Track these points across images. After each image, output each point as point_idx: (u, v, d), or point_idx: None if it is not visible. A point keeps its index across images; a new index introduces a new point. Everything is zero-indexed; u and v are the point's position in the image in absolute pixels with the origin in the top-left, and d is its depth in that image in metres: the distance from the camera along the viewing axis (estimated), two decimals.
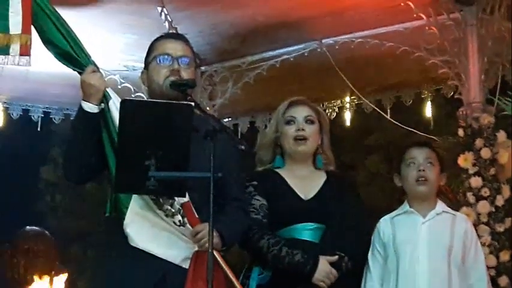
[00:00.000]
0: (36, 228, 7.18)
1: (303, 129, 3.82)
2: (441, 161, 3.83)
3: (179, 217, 3.27)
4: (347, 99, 7.06)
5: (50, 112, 7.30)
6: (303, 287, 3.62)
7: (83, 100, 3.29)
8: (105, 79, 3.40)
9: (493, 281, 4.50)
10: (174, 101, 3.23)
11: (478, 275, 3.70)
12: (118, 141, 3.16)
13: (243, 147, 3.14)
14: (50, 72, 5.77)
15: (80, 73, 3.33)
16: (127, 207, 3.26)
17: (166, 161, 3.07)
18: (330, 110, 6.95)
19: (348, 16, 5.67)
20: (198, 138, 3.07)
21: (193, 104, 3.16)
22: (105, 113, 3.29)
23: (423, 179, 3.74)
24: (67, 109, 7.11)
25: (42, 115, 7.27)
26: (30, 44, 3.38)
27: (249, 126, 7.51)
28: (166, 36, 3.56)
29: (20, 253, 6.73)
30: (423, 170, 3.74)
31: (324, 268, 3.62)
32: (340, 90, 6.61)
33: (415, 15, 5.48)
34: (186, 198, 3.26)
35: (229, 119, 7.42)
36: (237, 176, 3.49)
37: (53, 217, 9.92)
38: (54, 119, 7.33)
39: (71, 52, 3.33)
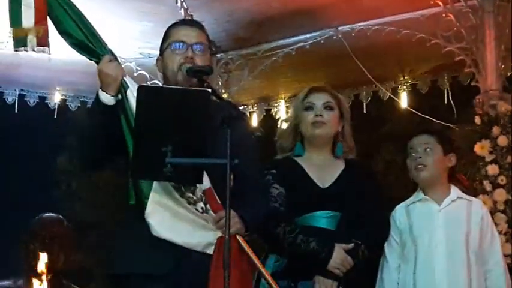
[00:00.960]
0: (53, 214, 7.22)
1: (321, 115, 3.82)
2: (445, 142, 3.79)
3: (201, 204, 3.26)
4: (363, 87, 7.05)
5: (66, 99, 7.32)
6: (318, 274, 3.62)
7: (100, 89, 3.28)
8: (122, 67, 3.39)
9: (509, 269, 4.49)
10: (191, 87, 3.23)
11: (494, 259, 3.70)
12: (135, 128, 3.16)
13: (259, 133, 3.14)
14: (66, 60, 5.78)
15: (96, 62, 3.31)
16: (148, 197, 3.26)
17: (183, 148, 3.06)
18: (346, 98, 6.93)
19: (365, 3, 5.66)
20: (215, 124, 3.06)
21: (210, 90, 3.15)
22: (123, 101, 3.28)
23: (421, 165, 3.73)
24: (84, 96, 7.13)
25: (59, 102, 7.29)
26: (47, 35, 3.38)
27: (264, 114, 7.51)
28: (181, 23, 3.55)
29: (36, 239, 6.76)
30: (420, 157, 3.74)
31: (339, 256, 3.62)
32: (356, 77, 6.59)
33: (432, 2, 5.47)
34: (208, 185, 3.26)
35: (245, 106, 7.41)
36: (255, 162, 3.49)
37: (69, 205, 9.94)
38: (71, 106, 7.35)
39: (86, 42, 3.32)
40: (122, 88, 3.28)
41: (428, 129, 3.93)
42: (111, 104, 3.26)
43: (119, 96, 3.27)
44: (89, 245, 8.78)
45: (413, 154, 3.76)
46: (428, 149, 3.74)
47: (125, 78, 3.29)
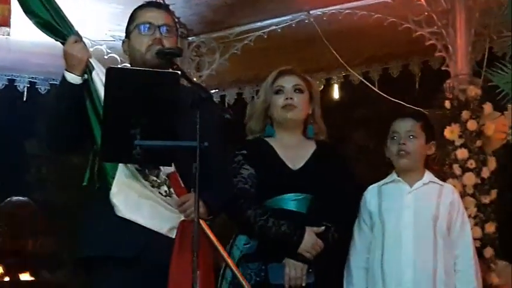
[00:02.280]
0: (22, 198, 7.18)
1: (291, 98, 3.81)
2: (429, 130, 3.80)
3: (165, 187, 3.26)
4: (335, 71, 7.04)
5: (36, 82, 7.24)
6: (288, 257, 3.62)
7: (66, 70, 3.26)
8: (91, 49, 3.39)
9: (478, 252, 4.51)
10: (161, 70, 3.22)
11: (463, 245, 3.71)
12: (103, 110, 3.14)
13: (228, 116, 3.13)
14: (34, 42, 5.72)
15: (62, 43, 3.30)
16: (113, 178, 3.25)
17: (152, 130, 3.05)
18: (318, 82, 6.92)
19: None
20: (184, 106, 3.05)
21: (179, 72, 3.14)
22: (88, 83, 3.26)
23: (403, 152, 3.73)
24: (53, 79, 7.06)
25: (28, 85, 7.22)
26: (9, 15, 3.34)
27: (236, 97, 7.48)
28: (147, 4, 3.53)
29: (5, 221, 6.72)
30: (403, 144, 3.73)
31: (310, 239, 3.62)
32: (327, 62, 6.58)
33: None
34: (172, 169, 3.25)
35: (217, 90, 7.38)
36: (222, 145, 3.49)
37: (39, 189, 9.88)
38: (40, 89, 7.28)
39: (52, 22, 3.30)
40: (88, 70, 3.27)
41: (414, 115, 3.92)
42: (78, 83, 3.25)
43: (85, 76, 3.25)
44: (59, 230, 8.74)
45: (396, 138, 3.76)
46: (411, 137, 3.75)
47: (90, 60, 3.29)
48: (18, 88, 7.25)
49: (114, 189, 3.25)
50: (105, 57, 6.35)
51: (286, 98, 3.81)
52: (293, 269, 3.59)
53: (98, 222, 3.29)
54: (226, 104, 7.31)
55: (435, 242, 3.64)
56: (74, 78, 3.25)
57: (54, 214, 8.97)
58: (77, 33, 3.32)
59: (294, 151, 3.82)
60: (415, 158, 3.75)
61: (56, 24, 3.30)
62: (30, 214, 6.90)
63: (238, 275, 3.42)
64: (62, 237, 8.27)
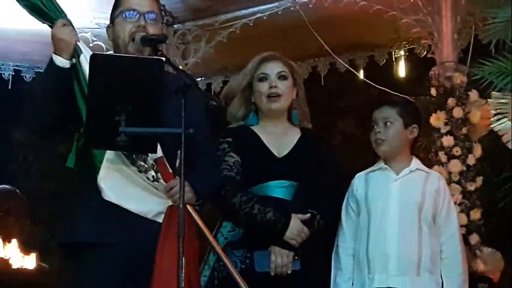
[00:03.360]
0: (7, 186, 7.15)
1: (275, 86, 3.79)
2: (407, 115, 3.78)
3: (152, 172, 3.26)
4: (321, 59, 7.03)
5: (21, 70, 7.21)
6: (274, 244, 3.61)
7: (54, 54, 3.25)
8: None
9: (464, 239, 4.53)
10: (146, 56, 3.21)
11: (449, 233, 3.71)
12: (88, 96, 3.13)
13: (214, 103, 3.13)
14: (19, 29, 5.70)
15: (50, 26, 3.28)
16: (101, 162, 3.25)
17: (136, 117, 3.05)
18: (304, 70, 6.91)
19: None
20: (169, 93, 3.04)
21: (164, 59, 3.13)
22: (76, 67, 3.25)
23: (379, 140, 3.74)
24: (38, 67, 7.03)
25: (13, 73, 7.18)
26: None
27: (222, 85, 7.46)
28: None
29: None
30: (379, 132, 3.74)
31: (296, 226, 3.61)
32: (313, 49, 6.57)
33: None
34: (160, 154, 3.25)
35: (202, 78, 7.37)
36: (208, 132, 3.48)
37: (25, 178, 9.85)
38: (25, 77, 7.24)
39: (40, 5, 3.28)
40: (76, 53, 3.25)
41: (390, 102, 3.91)
42: (66, 67, 3.24)
43: (73, 60, 3.25)
44: (45, 218, 8.72)
45: (375, 127, 3.76)
46: (388, 123, 3.74)
47: (78, 44, 3.27)
48: (3, 76, 7.22)
49: (101, 174, 3.25)
50: (90, 44, 6.32)
51: (271, 87, 3.79)
52: (279, 257, 3.59)
53: (83, 207, 3.28)
54: (212, 92, 7.29)
55: (420, 229, 3.64)
56: (62, 61, 3.24)
57: (41, 203, 8.95)
58: (65, 17, 3.30)
59: (279, 138, 3.81)
60: (392, 144, 3.74)
61: (43, 8, 3.29)
62: (17, 203, 6.88)
63: (226, 260, 3.42)
64: (49, 226, 8.25)
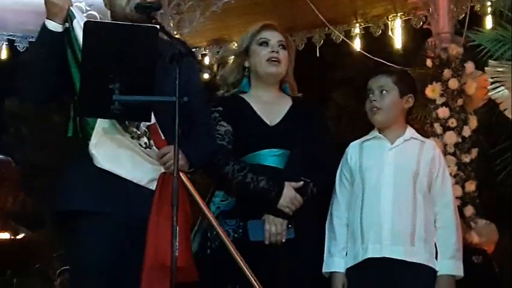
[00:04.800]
0: (1, 156, 7.12)
1: (277, 52, 3.78)
2: (403, 84, 3.75)
3: (145, 139, 3.26)
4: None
5: (15, 40, 7.16)
6: (267, 213, 3.61)
7: (47, 18, 3.24)
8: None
9: (459, 211, 4.53)
10: (139, 24, 3.18)
11: (444, 201, 3.70)
12: (81, 65, 3.12)
13: (208, 72, 3.11)
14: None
15: None
16: (93, 129, 3.24)
17: (130, 85, 3.04)
18: (299, 41, 6.87)
19: None
20: (164, 61, 3.02)
21: (158, 26, 3.11)
22: (69, 32, 3.23)
23: (375, 108, 3.72)
24: (32, 37, 6.97)
25: (6, 43, 7.13)
26: None
27: (216, 56, 7.43)
28: None
29: None
30: (374, 100, 3.72)
31: (289, 194, 3.60)
32: (309, 20, 6.54)
33: None
34: (153, 120, 3.24)
35: (197, 48, 7.32)
36: (203, 100, 3.47)
37: (19, 148, 9.83)
38: (19, 46, 7.19)
39: None
40: (69, 18, 3.24)
41: (386, 70, 3.89)
42: (59, 31, 3.22)
43: (66, 25, 3.23)
44: (40, 189, 8.71)
45: (370, 96, 3.74)
46: (384, 92, 3.72)
47: (71, 8, 3.27)
48: None
49: (93, 140, 3.25)
50: (85, 14, 6.27)
51: (272, 51, 3.77)
52: (273, 225, 3.58)
53: (77, 176, 3.28)
54: (208, 63, 7.26)
55: (415, 198, 3.63)
56: (55, 26, 3.23)
57: (35, 173, 8.94)
58: None
59: (271, 107, 3.79)
60: (388, 113, 3.72)
61: None
62: (11, 172, 6.86)
63: (218, 228, 3.41)
64: (43, 196, 8.24)
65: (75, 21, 3.23)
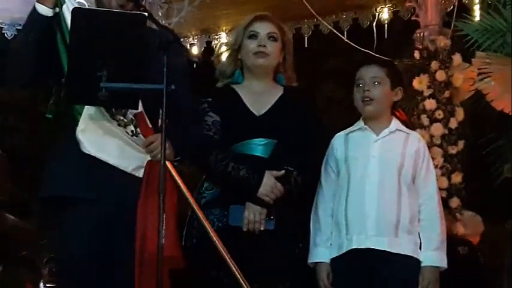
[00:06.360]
0: None
1: (264, 46, 3.78)
2: (394, 76, 3.78)
3: (132, 127, 3.27)
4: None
5: (2, 27, 7.12)
6: (249, 201, 3.61)
7: (38, 2, 3.23)
8: None
9: (445, 202, 4.55)
10: (127, 11, 3.18)
11: (428, 193, 3.71)
12: (69, 52, 3.12)
13: (196, 61, 3.11)
14: None
15: None
16: (80, 114, 3.24)
17: (118, 72, 3.03)
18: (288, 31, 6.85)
19: None
20: (151, 49, 3.02)
21: (146, 14, 3.10)
22: (59, 16, 3.23)
23: (367, 99, 3.72)
24: (19, 24, 6.94)
25: None
26: None
27: (205, 45, 7.42)
28: None
29: None
30: (367, 90, 3.71)
31: (269, 182, 3.60)
32: (297, 11, 6.53)
33: None
34: (140, 109, 3.24)
35: (185, 38, 7.31)
36: (190, 89, 3.47)
37: (6, 138, 9.80)
38: (7, 34, 7.15)
39: None
40: (59, 2, 3.24)
41: (379, 61, 3.90)
42: (50, 15, 3.22)
43: (57, 10, 3.22)
44: (26, 178, 8.69)
45: (361, 85, 3.74)
46: (376, 83, 3.72)
47: None
48: None
49: (80, 126, 3.25)
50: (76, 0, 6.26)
51: (260, 45, 3.78)
52: (252, 213, 3.59)
53: (62, 161, 3.28)
54: (196, 53, 7.24)
55: (399, 190, 3.64)
56: (45, 10, 3.23)
57: (23, 162, 8.91)
58: None
59: (260, 97, 3.80)
60: (380, 105, 3.73)
61: None
62: None
63: (201, 216, 3.42)
64: (31, 185, 8.22)
65: (64, 6, 3.23)
